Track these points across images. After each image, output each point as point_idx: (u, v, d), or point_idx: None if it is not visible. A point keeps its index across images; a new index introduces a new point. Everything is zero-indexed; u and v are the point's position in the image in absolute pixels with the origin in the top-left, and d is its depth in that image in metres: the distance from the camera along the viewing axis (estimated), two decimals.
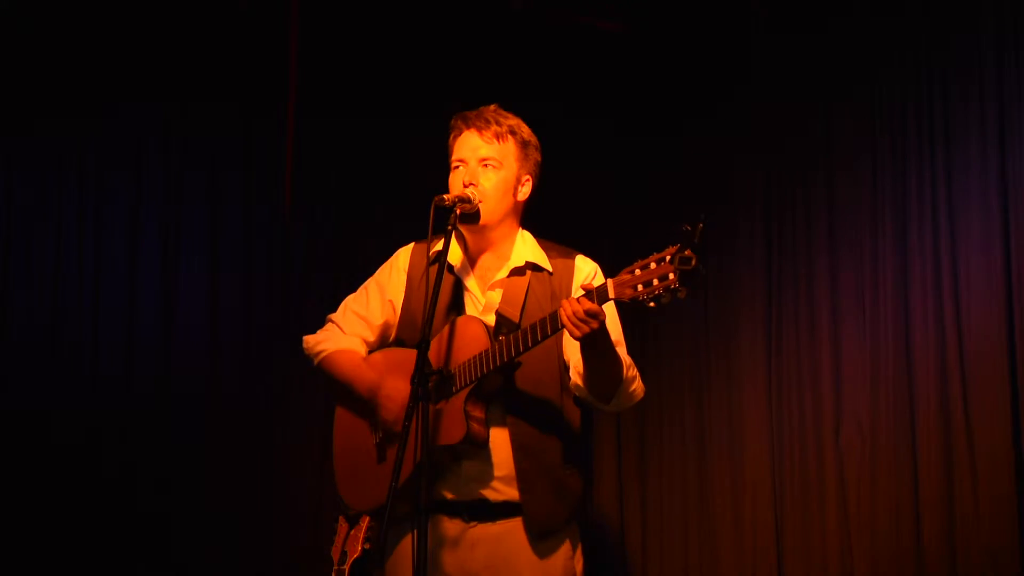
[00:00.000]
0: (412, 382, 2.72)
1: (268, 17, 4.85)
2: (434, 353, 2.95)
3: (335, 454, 3.13)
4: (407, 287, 3.11)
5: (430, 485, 2.73)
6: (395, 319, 3.12)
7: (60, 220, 4.61)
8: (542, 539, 2.93)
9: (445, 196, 2.99)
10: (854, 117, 4.50)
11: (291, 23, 4.84)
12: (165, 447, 4.60)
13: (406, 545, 2.84)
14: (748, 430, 4.73)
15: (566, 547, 2.99)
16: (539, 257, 3.09)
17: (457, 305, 3.06)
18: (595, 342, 2.79)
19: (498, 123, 3.07)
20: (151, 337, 4.69)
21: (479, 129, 3.07)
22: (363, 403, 3.04)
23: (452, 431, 2.86)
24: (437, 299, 2.84)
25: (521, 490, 2.91)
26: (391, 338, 3.14)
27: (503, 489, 2.91)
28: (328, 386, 3.16)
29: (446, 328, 2.97)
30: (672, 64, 5.20)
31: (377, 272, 3.21)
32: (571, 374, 3.02)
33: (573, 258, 3.13)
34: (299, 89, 4.87)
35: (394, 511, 2.65)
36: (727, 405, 4.83)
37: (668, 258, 2.65)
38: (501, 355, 2.84)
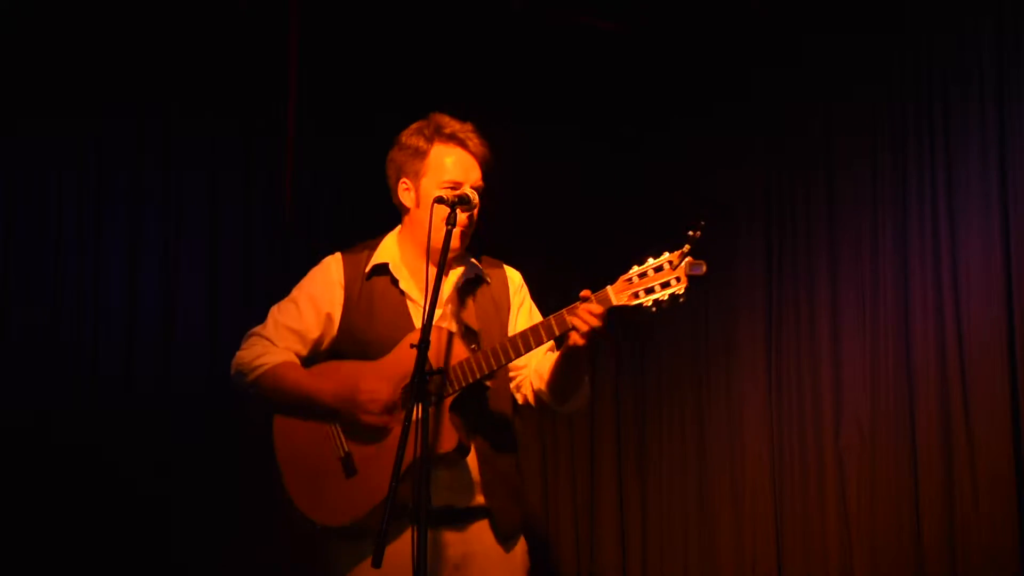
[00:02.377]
0: (412, 382, 2.72)
1: (268, 17, 4.84)
2: (398, 363, 2.94)
3: (285, 471, 3.08)
4: (346, 300, 3.10)
5: (422, 491, 2.69)
6: (332, 332, 3.10)
7: (60, 220, 4.60)
8: (505, 540, 3.03)
9: (445, 196, 2.99)
10: (854, 117, 4.50)
11: (291, 23, 4.84)
12: (165, 447, 4.60)
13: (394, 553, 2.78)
14: (748, 430, 4.73)
15: (522, 543, 3.10)
16: (475, 268, 3.15)
17: (396, 311, 3.06)
18: (590, 348, 2.85)
19: (486, 147, 3.10)
20: (151, 337, 4.69)
21: (474, 153, 3.09)
22: (324, 414, 3.01)
23: (444, 440, 2.88)
24: (436, 302, 2.83)
25: (487, 495, 2.99)
26: (322, 350, 3.12)
27: (469, 496, 2.98)
28: (266, 402, 3.09)
29: (411, 335, 2.96)
30: (672, 64, 5.20)
31: (306, 284, 3.17)
32: (530, 380, 3.09)
33: (502, 268, 3.21)
34: (299, 89, 4.87)
35: (391, 515, 2.64)
36: (727, 405, 4.83)
37: (672, 263, 2.72)
38: (488, 363, 2.89)
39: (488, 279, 3.16)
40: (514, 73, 5.15)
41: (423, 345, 2.76)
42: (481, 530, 3.00)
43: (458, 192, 3.03)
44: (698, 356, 4.99)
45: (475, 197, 3.03)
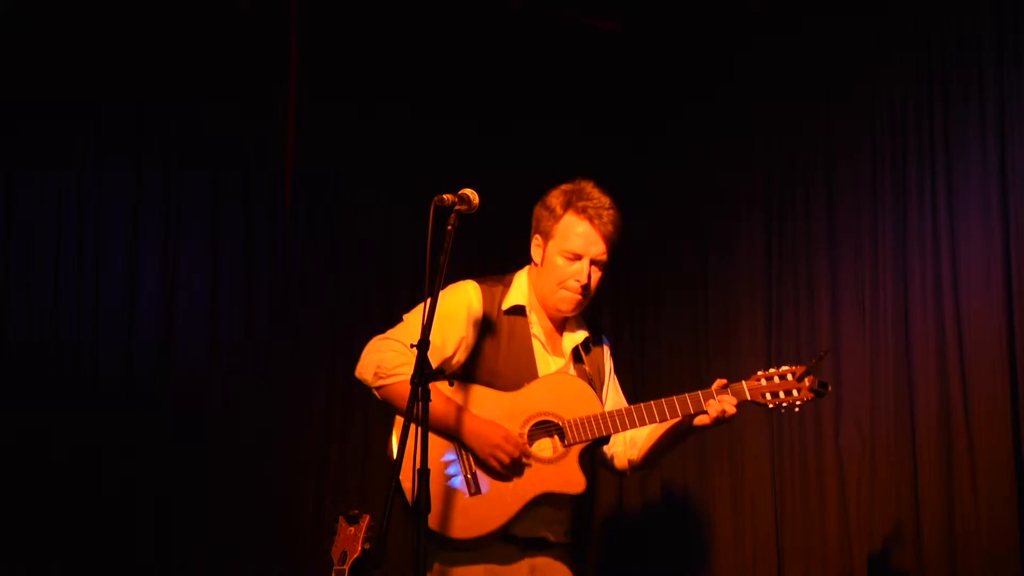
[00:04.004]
0: (412, 382, 2.79)
1: (268, 17, 4.85)
2: (527, 401, 3.20)
3: (408, 478, 3.10)
4: (482, 329, 3.27)
5: (422, 492, 2.79)
6: (463, 356, 3.25)
7: (60, 220, 4.60)
8: (576, 565, 3.31)
9: (445, 196, 3.00)
10: (854, 117, 4.50)
11: (291, 23, 4.84)
12: (165, 447, 4.60)
13: (474, 571, 3.14)
14: (748, 430, 4.73)
15: (584, 569, 3.38)
16: (590, 331, 3.41)
17: (526, 351, 3.28)
18: (703, 430, 3.27)
19: (615, 226, 3.27)
20: (151, 337, 4.69)
21: (600, 231, 3.26)
22: (453, 438, 3.18)
23: (575, 482, 3.18)
24: (435, 304, 2.89)
25: (574, 535, 3.27)
26: (449, 371, 3.24)
27: (559, 533, 3.23)
28: (392, 407, 3.19)
29: (546, 378, 3.25)
30: (672, 64, 5.20)
31: (449, 306, 3.23)
32: (625, 449, 3.40)
33: (601, 335, 3.49)
34: (299, 89, 4.87)
35: (390, 516, 2.74)
36: None
37: (797, 376, 3.26)
38: (623, 423, 3.20)
39: (596, 343, 3.43)
40: (513, 72, 5.15)
41: (423, 345, 2.81)
42: (561, 559, 3.26)
43: (459, 192, 3.04)
44: (698, 355, 4.99)
45: (475, 198, 3.02)
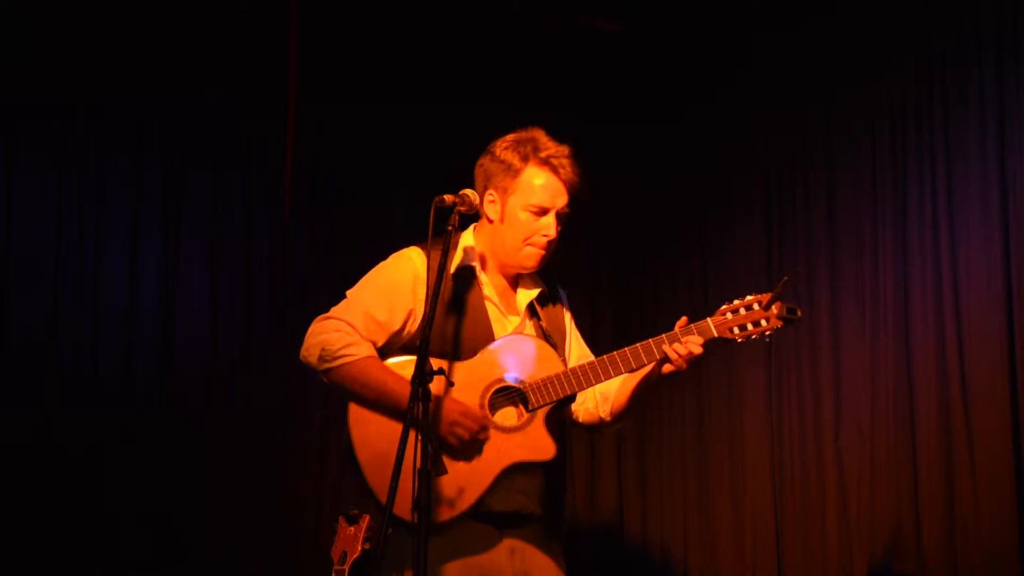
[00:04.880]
0: (412, 382, 2.74)
1: (268, 17, 4.85)
2: (483, 367, 3.04)
3: (364, 463, 3.04)
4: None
5: (423, 491, 2.70)
6: (413, 327, 3.10)
7: (60, 220, 4.60)
8: (554, 544, 3.12)
9: (446, 196, 2.99)
10: (854, 117, 4.50)
11: (291, 23, 4.84)
12: (165, 447, 4.60)
13: (450, 557, 2.96)
14: (748, 430, 4.73)
15: (561, 547, 3.17)
16: (546, 285, 3.23)
17: (479, 314, 3.10)
18: (675, 376, 3.04)
19: (577, 175, 3.13)
20: (151, 337, 4.69)
21: (564, 180, 3.12)
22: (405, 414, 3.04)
23: (543, 448, 3.01)
24: (436, 303, 2.85)
25: (547, 503, 3.08)
26: (400, 341, 3.12)
27: (533, 503, 3.05)
28: (342, 390, 3.07)
29: (501, 341, 3.07)
30: (672, 64, 5.20)
31: (389, 274, 3.14)
32: (597, 405, 3.21)
33: (558, 288, 3.30)
34: (299, 89, 4.87)
35: (390, 518, 2.70)
36: (727, 405, 4.83)
37: (764, 304, 2.99)
38: (588, 379, 3.02)
39: (551, 298, 3.25)
40: (514, 73, 5.15)
41: (423, 345, 2.77)
42: (538, 534, 3.09)
43: (460, 192, 3.03)
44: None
45: (475, 198, 3.02)
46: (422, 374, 2.74)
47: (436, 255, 2.99)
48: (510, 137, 3.17)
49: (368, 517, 3.77)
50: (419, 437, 2.71)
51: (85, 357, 4.58)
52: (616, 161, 5.27)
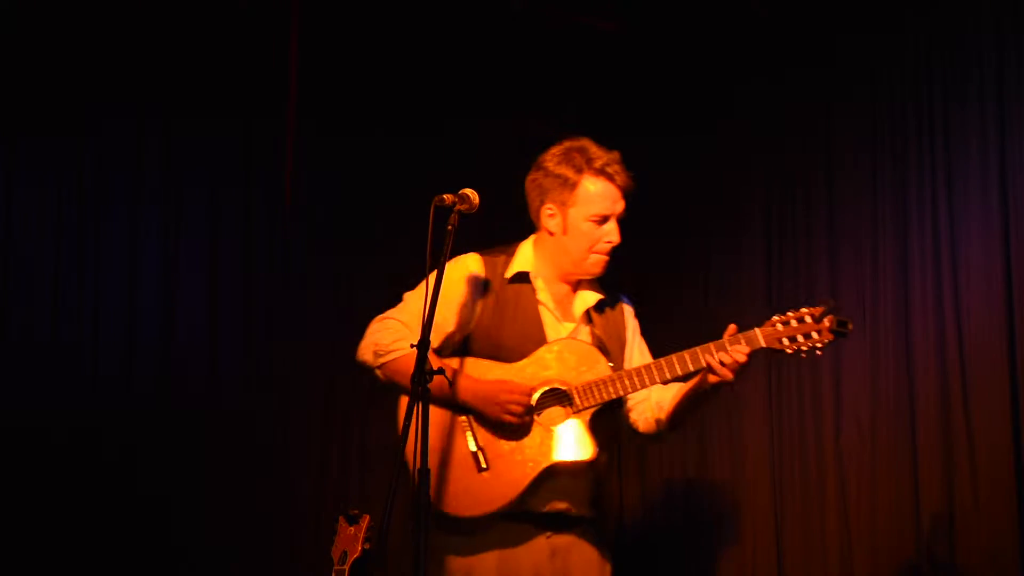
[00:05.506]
0: (412, 381, 2.76)
1: (268, 17, 4.84)
2: (535, 369, 3.12)
3: (410, 456, 3.02)
4: (482, 303, 3.21)
5: (422, 491, 2.74)
6: (467, 329, 3.19)
7: (60, 220, 4.60)
8: (602, 549, 3.20)
9: (445, 196, 3.00)
10: (854, 117, 4.50)
11: (291, 23, 4.84)
12: (165, 447, 4.60)
13: (486, 562, 3.05)
14: (748, 430, 4.73)
15: (610, 552, 3.25)
16: (603, 292, 3.33)
17: (532, 318, 3.19)
18: (720, 386, 3.09)
19: (631, 179, 3.25)
20: (151, 337, 4.69)
21: (620, 187, 3.24)
22: (459, 408, 3.12)
23: (584, 449, 3.07)
24: (436, 301, 2.88)
25: (595, 507, 3.17)
26: (453, 344, 3.20)
27: (580, 506, 3.13)
28: (393, 385, 3.15)
29: (550, 344, 3.15)
30: (672, 65, 5.20)
31: (449, 280, 3.17)
32: (651, 411, 3.27)
33: (619, 295, 3.40)
34: (299, 89, 4.87)
35: (390, 514, 2.70)
36: (727, 404, 4.83)
37: (815, 317, 3.05)
38: (633, 383, 3.08)
39: (611, 305, 3.33)
40: (514, 74, 5.15)
41: (423, 344, 2.80)
42: (583, 538, 3.15)
43: (459, 192, 3.04)
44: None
45: (475, 197, 3.02)
46: (422, 373, 2.75)
47: (493, 261, 3.20)
48: (558, 150, 3.27)
49: (368, 517, 3.78)
50: (418, 437, 2.72)
51: (85, 357, 4.58)
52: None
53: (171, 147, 4.79)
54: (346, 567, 3.82)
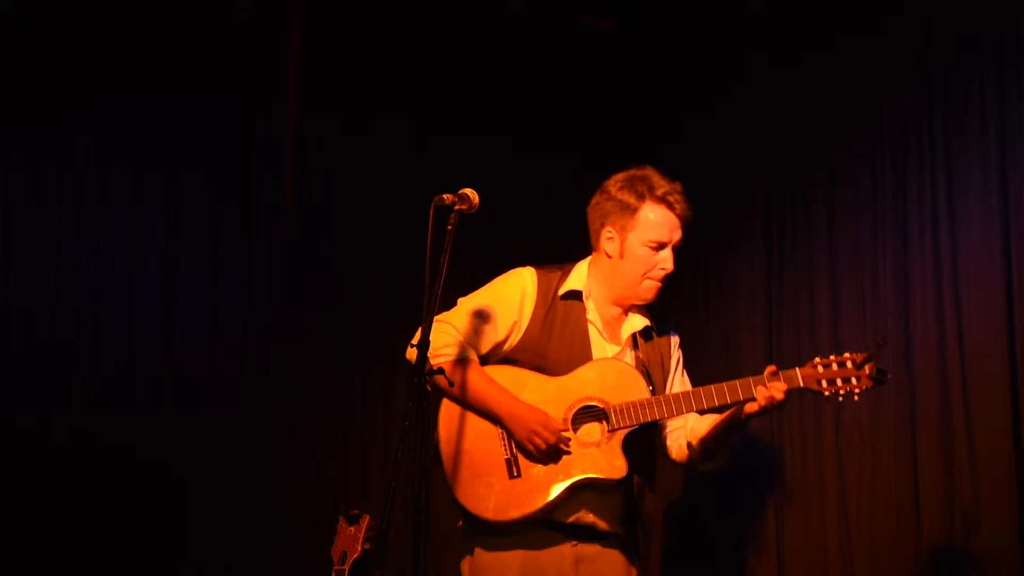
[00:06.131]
0: (413, 382, 2.78)
1: (268, 17, 4.85)
2: (574, 386, 3.21)
3: (445, 458, 3.21)
4: (534, 313, 3.29)
5: (421, 490, 2.79)
6: (515, 340, 3.29)
7: (60, 219, 4.60)
8: (631, 565, 3.29)
9: (445, 196, 3.00)
10: (854, 117, 4.50)
11: (291, 23, 4.84)
12: (165, 447, 4.60)
13: (510, 560, 3.15)
14: (748, 430, 4.72)
15: (635, 565, 3.33)
16: (650, 319, 3.41)
17: (580, 336, 3.27)
18: (760, 418, 3.22)
19: (690, 209, 3.34)
20: (151, 337, 4.69)
21: (679, 216, 3.33)
22: (495, 420, 3.21)
23: (615, 468, 3.15)
24: (436, 299, 2.89)
25: (622, 524, 3.23)
26: (501, 352, 3.29)
27: (609, 522, 3.21)
28: (437, 388, 3.17)
29: (594, 363, 3.24)
30: (672, 66, 5.20)
31: (499, 288, 3.33)
32: (685, 438, 3.37)
33: (668, 324, 3.49)
34: (299, 89, 4.87)
35: (389, 517, 2.75)
36: None
37: (856, 363, 3.12)
38: (670, 408, 3.18)
39: (659, 334, 3.42)
40: (514, 74, 5.15)
41: (423, 344, 2.83)
42: (611, 551, 3.23)
43: (459, 192, 3.04)
44: (698, 356, 4.97)
45: (475, 197, 3.03)
46: (421, 373, 2.75)
47: (548, 276, 3.30)
48: (622, 176, 3.38)
49: (368, 517, 3.78)
50: (416, 438, 2.72)
51: (85, 357, 4.58)
52: (615, 162, 5.26)
53: (171, 147, 4.79)
54: (346, 567, 3.82)
